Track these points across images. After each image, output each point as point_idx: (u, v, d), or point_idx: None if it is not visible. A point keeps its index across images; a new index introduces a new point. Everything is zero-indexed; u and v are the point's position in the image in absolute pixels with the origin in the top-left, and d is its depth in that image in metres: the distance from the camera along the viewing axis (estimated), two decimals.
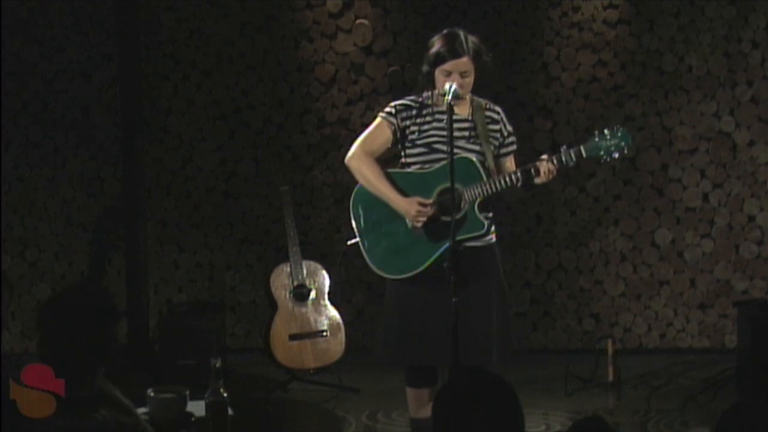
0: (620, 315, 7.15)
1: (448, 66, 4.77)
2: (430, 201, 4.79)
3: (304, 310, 6.35)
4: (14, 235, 7.23)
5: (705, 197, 7.07)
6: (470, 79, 4.79)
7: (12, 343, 7.07)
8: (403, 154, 4.93)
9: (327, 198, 7.14)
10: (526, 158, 4.80)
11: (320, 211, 7.13)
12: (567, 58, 7.03)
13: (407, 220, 4.82)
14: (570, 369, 6.45)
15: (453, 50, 4.78)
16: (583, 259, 7.15)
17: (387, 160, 4.99)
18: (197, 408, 3.94)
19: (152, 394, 4.00)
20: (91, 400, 3.02)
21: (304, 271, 6.36)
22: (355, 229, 4.92)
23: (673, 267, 7.11)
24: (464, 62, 4.77)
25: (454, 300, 4.44)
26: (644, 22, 6.98)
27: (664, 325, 7.14)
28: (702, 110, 7.02)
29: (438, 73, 4.79)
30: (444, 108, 4.79)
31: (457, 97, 4.74)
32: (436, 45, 4.81)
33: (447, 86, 4.72)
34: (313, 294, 6.36)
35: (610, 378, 6.34)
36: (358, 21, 7.08)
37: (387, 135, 4.90)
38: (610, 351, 6.36)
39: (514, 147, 4.97)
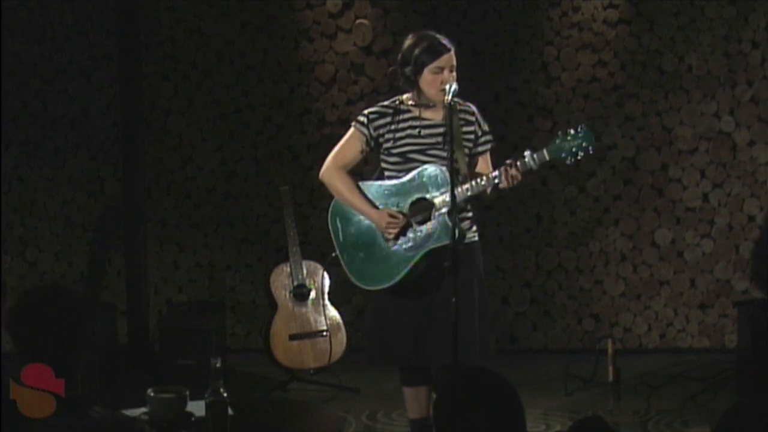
0: (620, 315, 7.14)
1: (441, 61, 4.75)
2: (400, 212, 4.81)
3: (304, 310, 6.35)
4: (14, 235, 7.23)
5: (705, 197, 7.07)
6: (455, 75, 4.80)
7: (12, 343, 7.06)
8: (381, 160, 4.95)
9: (327, 198, 7.11)
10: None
11: (320, 211, 7.12)
12: (567, 58, 7.03)
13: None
14: (570, 369, 6.45)
15: (441, 45, 4.79)
16: (583, 259, 7.14)
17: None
18: (197, 408, 3.95)
19: (152, 394, 4.00)
20: (87, 398, 3.02)
21: (304, 271, 6.36)
22: (334, 243, 4.98)
23: (673, 267, 7.11)
24: (452, 56, 4.79)
25: (453, 300, 4.45)
26: (644, 22, 6.98)
27: (664, 325, 7.13)
28: (702, 110, 7.02)
29: (428, 72, 4.76)
30: (418, 114, 4.83)
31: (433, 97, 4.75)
32: (420, 44, 4.79)
33: (447, 86, 4.72)
34: (313, 294, 6.36)
35: (610, 378, 6.33)
36: (358, 21, 7.08)
37: (359, 147, 4.91)
38: (610, 351, 6.35)
39: (489, 146, 4.96)
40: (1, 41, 7.05)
